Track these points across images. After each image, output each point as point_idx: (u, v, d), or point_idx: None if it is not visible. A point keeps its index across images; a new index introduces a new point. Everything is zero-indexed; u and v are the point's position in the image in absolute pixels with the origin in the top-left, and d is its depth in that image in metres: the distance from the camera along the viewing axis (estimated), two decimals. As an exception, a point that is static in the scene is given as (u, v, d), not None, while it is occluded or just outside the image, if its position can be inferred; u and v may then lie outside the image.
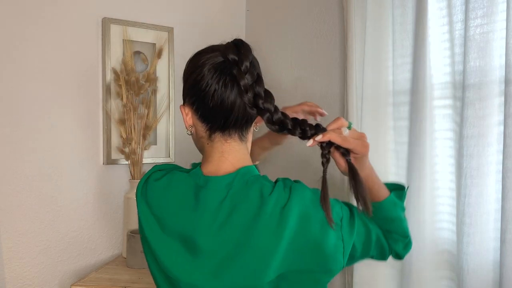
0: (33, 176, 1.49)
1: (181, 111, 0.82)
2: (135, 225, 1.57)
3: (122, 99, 1.57)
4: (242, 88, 0.75)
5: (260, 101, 0.76)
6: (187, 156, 1.76)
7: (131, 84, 1.55)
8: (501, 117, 1.02)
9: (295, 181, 0.79)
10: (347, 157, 0.79)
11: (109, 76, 1.60)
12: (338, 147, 0.79)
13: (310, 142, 0.79)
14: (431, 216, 1.19)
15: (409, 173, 1.22)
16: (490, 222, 1.06)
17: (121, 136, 1.60)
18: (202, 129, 0.80)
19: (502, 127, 1.01)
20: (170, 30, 1.72)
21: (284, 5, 1.75)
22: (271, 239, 0.73)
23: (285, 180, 0.79)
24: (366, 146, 0.79)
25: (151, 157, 1.69)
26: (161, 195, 0.82)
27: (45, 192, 1.51)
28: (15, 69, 1.45)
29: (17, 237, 1.46)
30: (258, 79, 0.77)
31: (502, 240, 0.98)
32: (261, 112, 0.77)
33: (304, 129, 0.79)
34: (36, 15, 1.48)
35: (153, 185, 0.83)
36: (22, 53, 1.46)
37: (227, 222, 0.75)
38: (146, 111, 1.60)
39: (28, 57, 1.47)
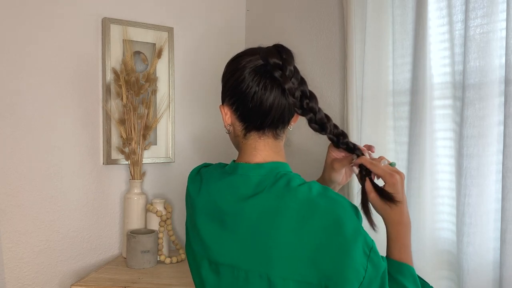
0: (33, 176, 1.49)
1: (220, 110, 0.86)
2: (135, 225, 1.57)
3: (122, 99, 1.57)
4: (287, 91, 0.79)
5: (306, 101, 0.81)
6: (187, 156, 1.76)
7: (131, 84, 1.55)
8: (501, 117, 1.01)
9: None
10: (369, 176, 0.86)
11: (109, 76, 1.60)
12: (368, 174, 0.86)
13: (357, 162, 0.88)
14: (431, 216, 1.19)
15: (409, 173, 1.21)
16: (490, 222, 1.06)
17: (121, 136, 1.60)
18: (239, 128, 0.84)
19: (502, 127, 1.01)
20: (170, 30, 1.72)
21: (284, 5, 1.75)
22: (294, 229, 0.73)
23: (325, 186, 0.79)
24: (394, 178, 0.82)
25: (151, 157, 1.69)
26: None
27: (45, 192, 1.51)
28: (15, 69, 1.45)
29: (17, 237, 1.46)
30: (302, 81, 0.81)
31: (502, 240, 0.98)
32: (305, 112, 0.81)
33: (338, 134, 0.86)
34: (36, 15, 1.48)
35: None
36: (22, 53, 1.46)
37: (248, 202, 0.77)
38: (146, 111, 1.60)
39: (28, 57, 1.47)
